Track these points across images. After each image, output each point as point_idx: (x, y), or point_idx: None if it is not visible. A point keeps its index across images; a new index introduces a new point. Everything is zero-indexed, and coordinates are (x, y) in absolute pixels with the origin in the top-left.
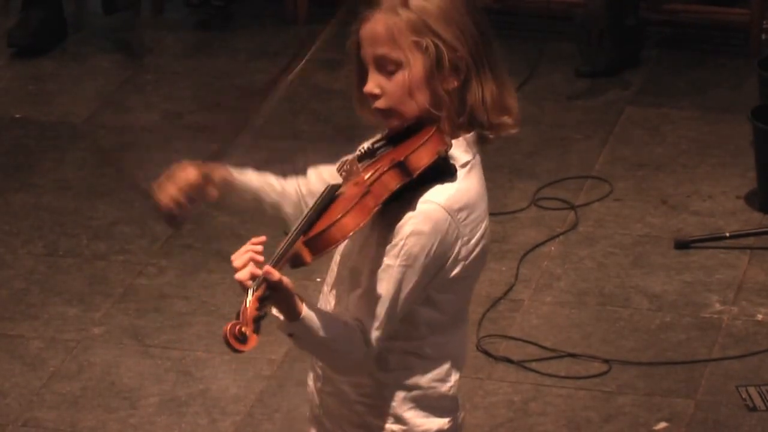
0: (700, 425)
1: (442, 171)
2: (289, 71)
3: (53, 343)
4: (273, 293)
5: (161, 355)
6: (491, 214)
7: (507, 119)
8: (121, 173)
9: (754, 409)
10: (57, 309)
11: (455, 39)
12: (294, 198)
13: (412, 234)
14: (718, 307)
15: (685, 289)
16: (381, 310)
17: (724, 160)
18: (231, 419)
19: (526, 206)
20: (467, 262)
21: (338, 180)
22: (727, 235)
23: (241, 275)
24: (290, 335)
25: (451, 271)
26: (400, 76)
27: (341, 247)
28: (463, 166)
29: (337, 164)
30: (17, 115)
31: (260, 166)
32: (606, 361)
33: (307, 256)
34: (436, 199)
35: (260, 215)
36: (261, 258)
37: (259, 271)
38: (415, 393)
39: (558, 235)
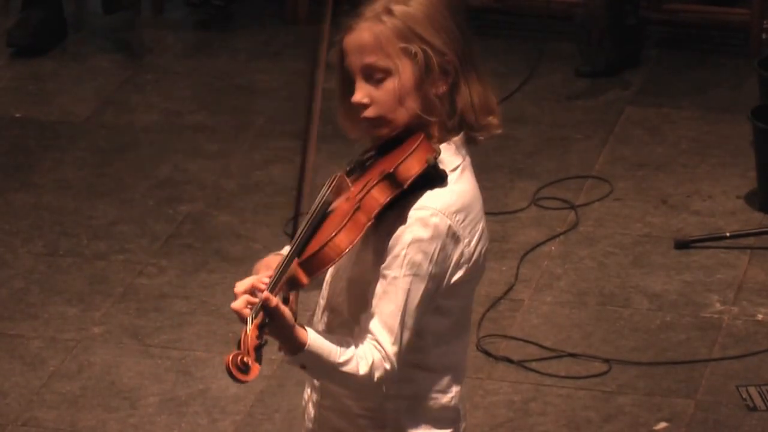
0: (700, 425)
1: (433, 178)
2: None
3: (53, 342)
4: (272, 320)
5: (161, 355)
6: (491, 214)
7: (493, 119)
8: None
9: (754, 408)
10: (57, 308)
11: (442, 43)
12: None
13: (412, 242)
14: (718, 307)
15: (686, 289)
16: (394, 324)
17: (725, 160)
18: (231, 419)
19: (526, 206)
20: (470, 264)
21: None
22: (728, 235)
23: (237, 304)
24: (303, 367)
25: (455, 275)
26: (389, 84)
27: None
28: (454, 169)
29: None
30: (17, 115)
31: (261, 167)
32: (606, 360)
33: (303, 278)
34: (432, 204)
35: None
36: (263, 287)
37: (255, 299)
38: (416, 404)
39: (558, 235)
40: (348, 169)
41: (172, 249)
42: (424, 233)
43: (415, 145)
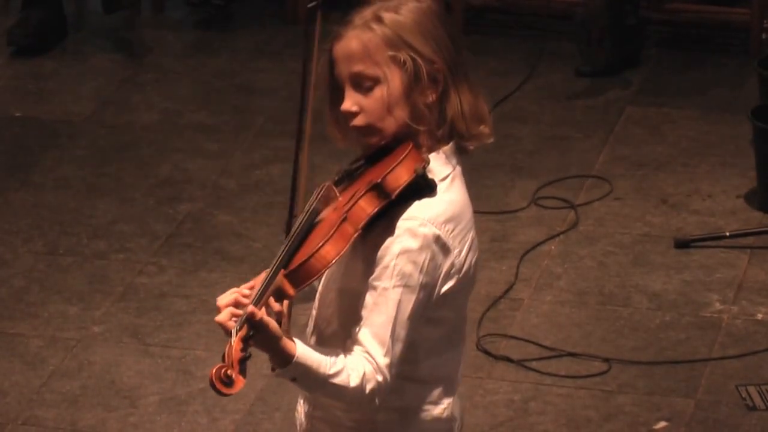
0: (700, 424)
1: (422, 188)
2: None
3: (53, 341)
4: (257, 333)
5: (161, 354)
6: (491, 213)
7: (484, 128)
8: None
9: (753, 408)
10: (57, 307)
11: (431, 51)
12: None
13: (401, 253)
14: (718, 306)
15: (685, 288)
16: (385, 335)
17: (725, 160)
18: (231, 418)
19: (526, 205)
20: (460, 274)
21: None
22: (727, 234)
23: (221, 317)
24: (293, 380)
25: (445, 285)
26: (378, 93)
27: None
28: (444, 179)
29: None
30: (17, 114)
31: (261, 166)
32: (606, 360)
33: (289, 289)
34: (421, 214)
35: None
36: (246, 301)
37: (239, 312)
38: (408, 416)
39: (558, 234)
40: (336, 178)
41: (172, 248)
42: (414, 243)
43: (404, 155)
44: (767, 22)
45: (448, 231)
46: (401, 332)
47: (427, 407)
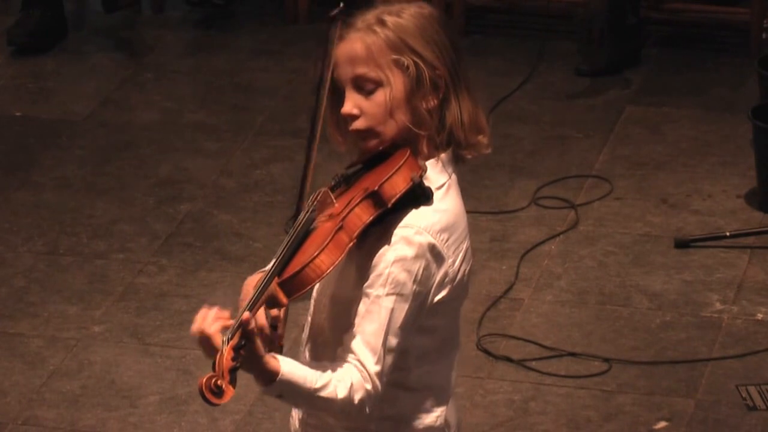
0: (700, 424)
1: (418, 196)
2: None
3: (53, 341)
4: (248, 342)
5: (161, 354)
6: (491, 213)
7: (482, 138)
8: None
9: (754, 408)
10: (57, 307)
11: (434, 56)
12: None
13: (396, 261)
14: (718, 306)
15: (686, 288)
16: (377, 343)
17: (725, 159)
18: (231, 418)
19: (526, 205)
20: (453, 284)
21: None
22: (728, 234)
23: (212, 329)
24: (280, 396)
25: (438, 294)
26: (380, 96)
27: None
28: (440, 187)
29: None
30: (17, 113)
31: (261, 165)
32: (606, 360)
33: (282, 298)
34: (416, 222)
35: None
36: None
37: (230, 323)
38: (401, 425)
39: (558, 234)
40: (333, 183)
41: (172, 248)
42: (408, 252)
43: (401, 162)
44: (767, 22)
45: (443, 240)
46: (393, 341)
47: (420, 416)
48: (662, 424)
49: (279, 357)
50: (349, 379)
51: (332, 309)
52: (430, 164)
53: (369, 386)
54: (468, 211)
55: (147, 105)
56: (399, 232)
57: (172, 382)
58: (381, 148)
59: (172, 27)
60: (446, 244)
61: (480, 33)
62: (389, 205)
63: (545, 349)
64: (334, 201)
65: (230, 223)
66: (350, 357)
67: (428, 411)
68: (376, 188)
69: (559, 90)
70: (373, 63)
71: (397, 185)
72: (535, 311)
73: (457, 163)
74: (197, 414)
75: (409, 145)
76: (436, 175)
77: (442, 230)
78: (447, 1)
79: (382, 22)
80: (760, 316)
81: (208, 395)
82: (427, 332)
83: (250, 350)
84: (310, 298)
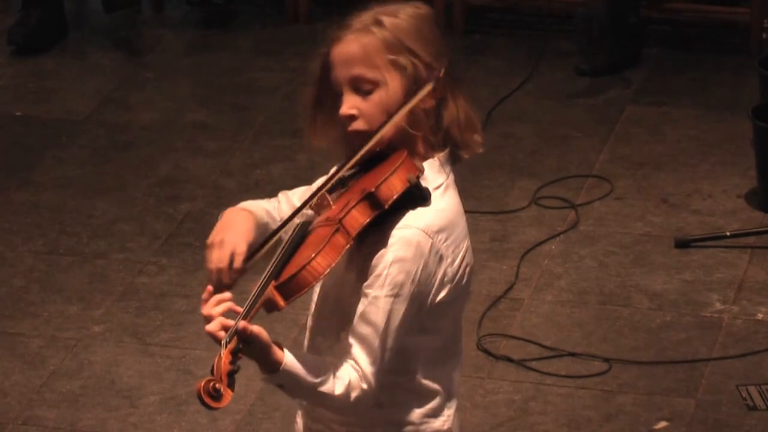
0: (701, 424)
1: (416, 197)
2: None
3: (53, 341)
4: (246, 346)
5: (161, 354)
6: (491, 213)
7: (477, 137)
8: None
9: (754, 408)
10: (57, 307)
11: (431, 57)
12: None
13: (394, 261)
14: (718, 306)
15: (686, 288)
16: (373, 344)
17: (725, 159)
18: (231, 418)
19: (526, 205)
20: (453, 284)
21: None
22: (728, 234)
23: (212, 327)
24: (280, 386)
25: (439, 295)
26: (377, 96)
27: None
28: (437, 187)
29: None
30: (18, 113)
31: (261, 165)
32: (606, 360)
33: (280, 301)
34: (414, 223)
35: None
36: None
37: (230, 322)
38: (407, 429)
39: (558, 234)
40: (329, 185)
41: (172, 248)
42: (407, 253)
43: (398, 163)
44: (767, 22)
45: (441, 240)
46: (390, 341)
47: (427, 419)
48: (662, 424)
49: (284, 349)
50: (347, 377)
51: (333, 309)
52: (428, 164)
53: (365, 385)
54: (468, 211)
55: (147, 104)
56: (397, 233)
57: (172, 382)
58: (377, 149)
59: (172, 27)
60: (445, 244)
61: (480, 33)
62: (386, 207)
63: (545, 349)
64: (331, 203)
65: None
66: (347, 356)
67: (436, 415)
68: (373, 190)
69: (559, 90)
70: (370, 63)
71: (394, 187)
72: (535, 311)
73: (455, 163)
74: (197, 414)
75: (405, 145)
76: (434, 175)
77: (441, 230)
78: (447, 1)
79: (378, 23)
80: (760, 316)
81: (207, 399)
82: (432, 334)
83: (251, 349)
84: (311, 300)
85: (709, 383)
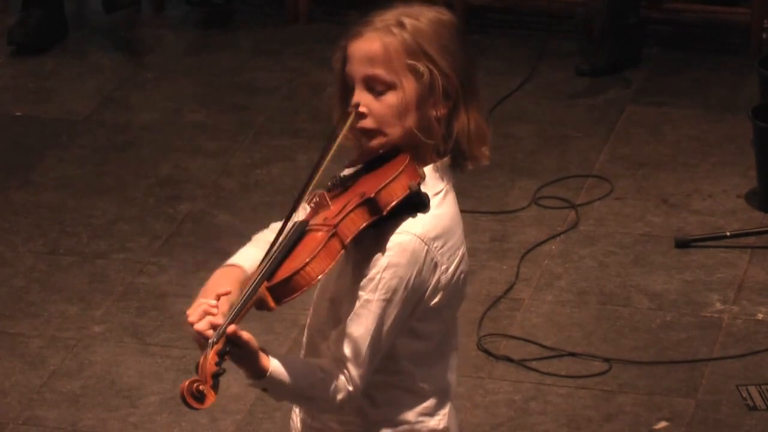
0: (701, 424)
1: (415, 204)
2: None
3: (54, 341)
4: (233, 348)
5: (161, 354)
6: (492, 213)
7: (485, 150)
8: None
9: (754, 408)
10: (57, 307)
11: (448, 66)
12: None
13: (388, 266)
14: (718, 306)
15: (686, 288)
16: (363, 347)
17: (725, 159)
18: (231, 418)
19: (526, 205)
20: (447, 290)
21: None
22: (728, 234)
23: (201, 326)
24: (264, 390)
25: (431, 300)
26: (390, 98)
27: None
28: (437, 194)
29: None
30: (18, 113)
31: (261, 165)
32: (606, 360)
33: (271, 302)
34: (411, 229)
35: None
36: (216, 312)
37: (219, 321)
38: (403, 428)
39: (558, 234)
40: (330, 184)
41: (172, 248)
42: (402, 258)
43: (400, 169)
44: (767, 22)
45: (437, 247)
46: (378, 345)
47: (422, 419)
48: (662, 424)
49: (270, 356)
50: (333, 379)
51: (330, 311)
52: (429, 170)
53: (351, 388)
54: (468, 211)
55: (147, 104)
56: (394, 238)
57: (172, 382)
58: (382, 150)
59: (172, 27)
60: (440, 251)
61: (480, 33)
62: (384, 213)
63: (545, 349)
64: (330, 203)
65: (230, 223)
66: (335, 357)
67: (431, 414)
68: (372, 195)
69: (559, 90)
70: (389, 65)
71: (394, 193)
72: (535, 311)
73: (456, 171)
74: (197, 414)
75: (411, 150)
76: (434, 181)
77: (437, 237)
78: (447, 1)
79: (401, 24)
80: (760, 316)
81: (190, 400)
82: (422, 337)
83: (237, 353)
84: (311, 300)
85: (709, 383)
